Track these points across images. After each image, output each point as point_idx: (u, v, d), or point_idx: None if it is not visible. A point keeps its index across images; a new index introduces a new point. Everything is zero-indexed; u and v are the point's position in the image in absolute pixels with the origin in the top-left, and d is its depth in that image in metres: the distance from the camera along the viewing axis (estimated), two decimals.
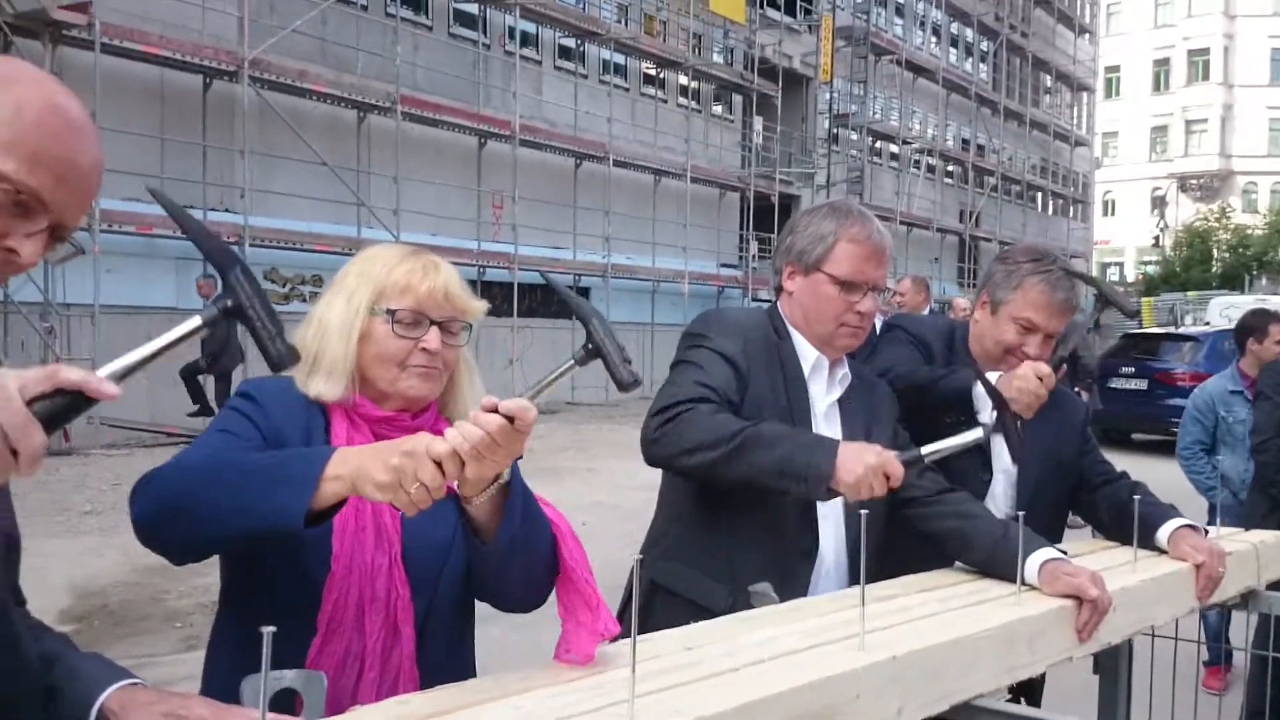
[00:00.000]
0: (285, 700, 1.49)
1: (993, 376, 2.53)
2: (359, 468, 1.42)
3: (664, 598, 2.37)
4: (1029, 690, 2.67)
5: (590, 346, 1.51)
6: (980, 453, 2.71)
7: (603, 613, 1.59)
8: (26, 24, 13.08)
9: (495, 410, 1.41)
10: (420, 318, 1.74)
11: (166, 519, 1.50)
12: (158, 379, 13.51)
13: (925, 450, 2.19)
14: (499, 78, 20.87)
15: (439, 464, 1.40)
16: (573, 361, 1.51)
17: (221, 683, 1.45)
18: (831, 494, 2.11)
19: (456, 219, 19.15)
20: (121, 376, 1.13)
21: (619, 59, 23.74)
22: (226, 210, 15.92)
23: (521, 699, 1.45)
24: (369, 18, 18.53)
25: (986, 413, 2.52)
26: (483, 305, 1.84)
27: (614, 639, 1.61)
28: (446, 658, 1.69)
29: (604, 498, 9.78)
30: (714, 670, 1.59)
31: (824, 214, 2.43)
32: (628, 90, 24.15)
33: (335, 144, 17.62)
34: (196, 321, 1.19)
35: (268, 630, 1.08)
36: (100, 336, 13.72)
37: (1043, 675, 2.76)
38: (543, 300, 21.54)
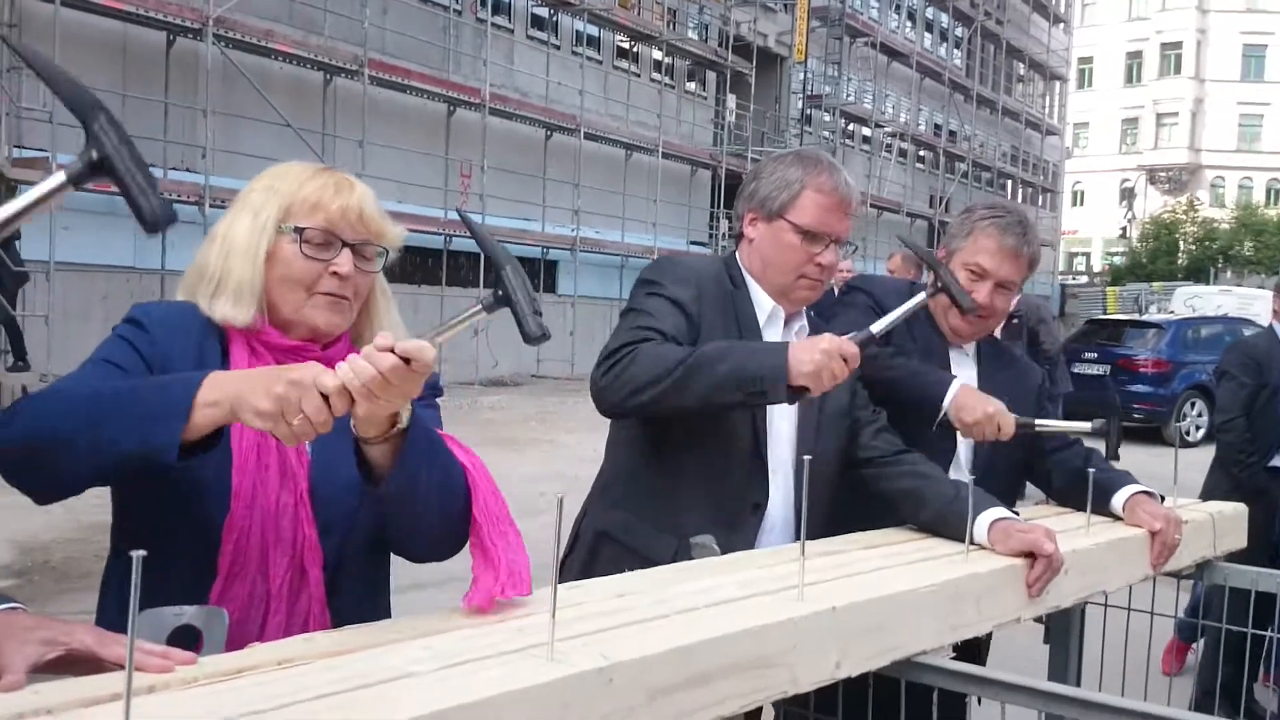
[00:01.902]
0: (186, 638, 1.40)
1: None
2: (238, 393, 1.32)
3: (610, 547, 2.30)
4: (975, 658, 2.63)
5: (500, 294, 1.41)
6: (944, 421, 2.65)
7: (503, 571, 1.49)
8: None
9: (391, 350, 1.32)
10: (331, 238, 1.62)
11: (29, 454, 1.38)
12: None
13: (875, 327, 2.15)
14: (469, 45, 20.61)
15: (326, 398, 1.31)
16: (480, 306, 1.41)
17: (110, 625, 1.35)
18: (797, 394, 2.04)
19: (423, 186, 18.91)
20: None
21: (592, 31, 23.51)
22: (188, 170, 15.65)
23: (436, 639, 1.37)
24: None
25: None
26: (400, 231, 1.73)
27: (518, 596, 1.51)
28: (361, 604, 1.59)
29: (564, 469, 9.70)
30: (644, 616, 1.52)
31: (791, 161, 2.35)
32: (600, 63, 23.94)
33: (300, 106, 17.34)
34: (61, 178, 1.07)
35: (138, 554, 0.99)
36: (55, 294, 13.48)
37: (988, 645, 2.73)
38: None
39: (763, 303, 2.34)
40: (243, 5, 15.86)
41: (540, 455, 11.29)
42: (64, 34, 13.52)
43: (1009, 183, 42.45)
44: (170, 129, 15.50)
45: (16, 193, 13.20)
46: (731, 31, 26.46)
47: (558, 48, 22.82)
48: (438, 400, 1.78)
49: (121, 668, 1.22)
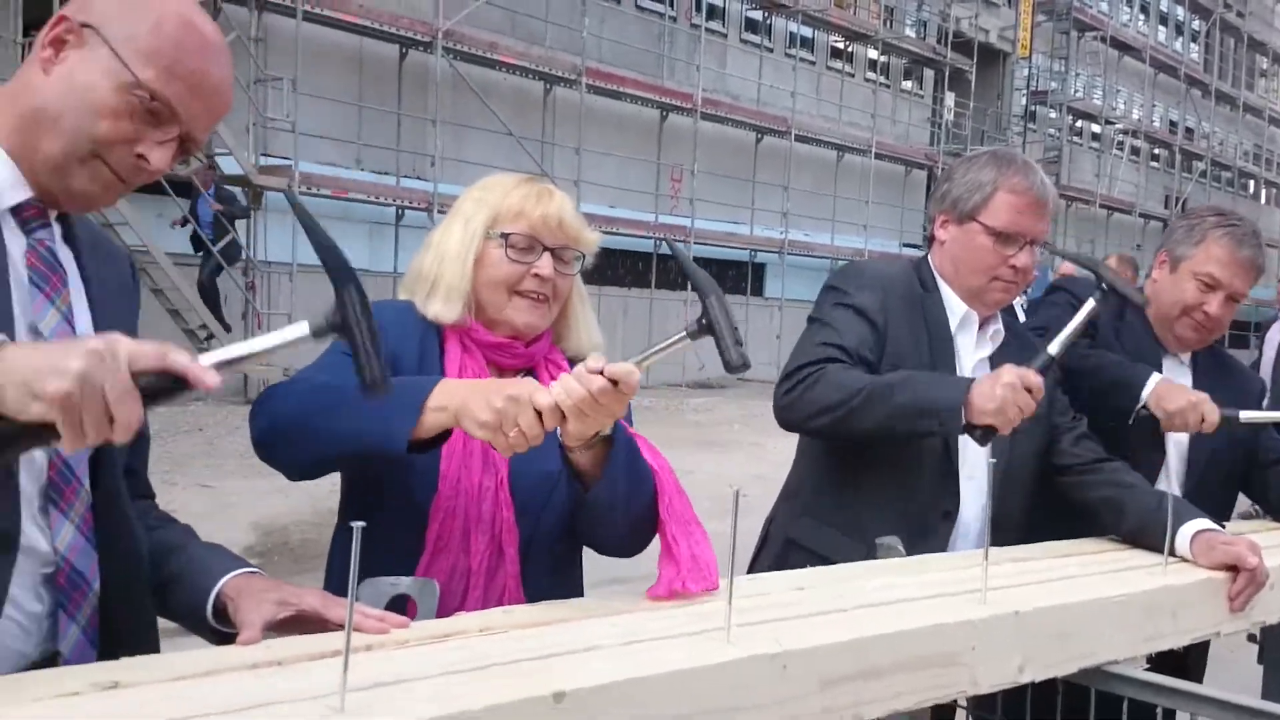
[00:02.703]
0: (401, 606, 1.54)
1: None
2: (463, 402, 1.46)
3: (797, 553, 2.33)
4: (1183, 671, 2.54)
5: (704, 322, 1.47)
6: (1152, 433, 2.56)
7: (685, 565, 1.57)
8: None
9: (600, 372, 1.43)
10: (533, 243, 1.75)
11: (282, 437, 1.57)
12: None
13: (1052, 348, 2.09)
14: (683, 51, 20.89)
15: (539, 413, 1.43)
16: (685, 335, 1.48)
17: (335, 591, 1.51)
18: (988, 434, 2.03)
19: (635, 191, 19.29)
20: (221, 367, 1.15)
21: (806, 32, 23.39)
22: (418, 177, 16.47)
23: (622, 618, 1.47)
24: None
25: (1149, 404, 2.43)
26: (596, 236, 1.84)
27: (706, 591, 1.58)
28: (552, 584, 1.70)
29: (767, 471, 9.70)
30: (821, 609, 1.57)
31: (984, 162, 2.33)
32: (814, 64, 23.80)
33: (521, 115, 17.98)
34: (304, 329, 1.20)
35: (357, 525, 1.11)
36: (297, 293, 14.44)
37: (1202, 661, 2.63)
38: (718, 274, 21.53)
39: (955, 306, 2.33)
40: (470, 18, 16.59)
41: (743, 457, 11.33)
42: (305, 47, 14.47)
43: (1251, 183, 39.71)
44: (402, 138, 16.37)
45: (262, 199, 14.26)
46: (951, 28, 25.81)
47: (771, 50, 22.82)
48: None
49: (344, 628, 1.37)
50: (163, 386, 1.09)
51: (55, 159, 1.29)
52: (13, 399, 1.02)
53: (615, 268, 18.91)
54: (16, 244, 1.31)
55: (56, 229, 1.36)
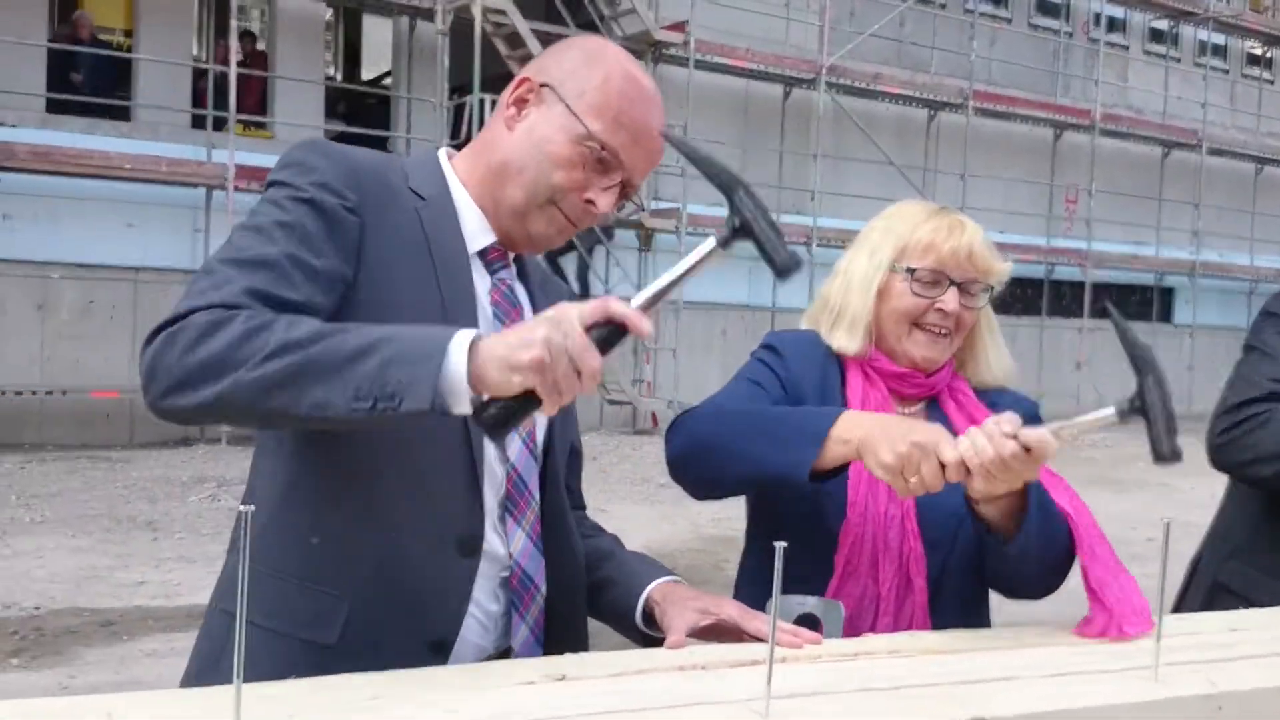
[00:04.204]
0: (808, 625, 1.59)
1: None
2: (866, 439, 1.47)
3: (1227, 600, 2.16)
4: None
5: (1138, 405, 1.38)
6: None
7: (1117, 612, 1.48)
8: (633, 45, 14.61)
9: (1014, 436, 1.40)
10: (940, 277, 1.73)
11: (695, 457, 1.65)
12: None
13: None
14: (1080, 66, 19.89)
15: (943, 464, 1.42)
16: (1114, 413, 1.39)
17: (745, 604, 1.58)
18: None
19: (1025, 214, 18.54)
20: (648, 306, 1.26)
21: (1218, 39, 21.56)
22: (797, 213, 16.72)
23: (1037, 652, 1.43)
24: (946, 15, 18.50)
25: None
26: (1006, 266, 1.80)
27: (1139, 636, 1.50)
28: (962, 617, 1.67)
29: (1175, 513, 8.94)
30: (1258, 652, 1.46)
31: None
32: (1227, 72, 21.88)
33: (903, 144, 17.82)
34: (711, 244, 1.27)
35: (780, 545, 1.16)
36: (681, 330, 15.07)
37: None
38: (1117, 300, 20.18)
39: None
40: (854, 51, 16.69)
41: (1147, 498, 10.55)
42: (695, 95, 15.12)
43: None
44: (784, 175, 16.70)
45: (653, 240, 15.03)
46: None
47: (1178, 60, 21.24)
48: None
49: (758, 640, 1.44)
50: (610, 335, 1.22)
51: (518, 206, 1.45)
52: (495, 377, 1.18)
53: (1002, 295, 18.19)
54: (483, 283, 1.49)
55: (513, 268, 1.54)
